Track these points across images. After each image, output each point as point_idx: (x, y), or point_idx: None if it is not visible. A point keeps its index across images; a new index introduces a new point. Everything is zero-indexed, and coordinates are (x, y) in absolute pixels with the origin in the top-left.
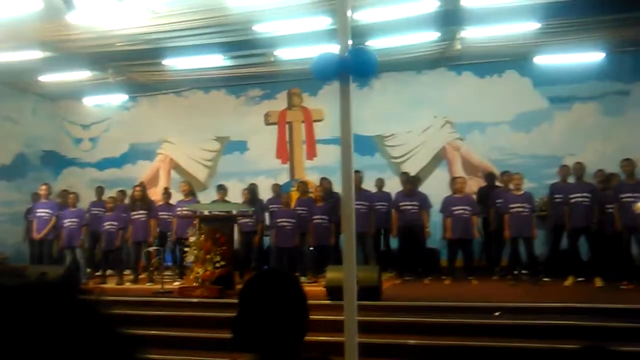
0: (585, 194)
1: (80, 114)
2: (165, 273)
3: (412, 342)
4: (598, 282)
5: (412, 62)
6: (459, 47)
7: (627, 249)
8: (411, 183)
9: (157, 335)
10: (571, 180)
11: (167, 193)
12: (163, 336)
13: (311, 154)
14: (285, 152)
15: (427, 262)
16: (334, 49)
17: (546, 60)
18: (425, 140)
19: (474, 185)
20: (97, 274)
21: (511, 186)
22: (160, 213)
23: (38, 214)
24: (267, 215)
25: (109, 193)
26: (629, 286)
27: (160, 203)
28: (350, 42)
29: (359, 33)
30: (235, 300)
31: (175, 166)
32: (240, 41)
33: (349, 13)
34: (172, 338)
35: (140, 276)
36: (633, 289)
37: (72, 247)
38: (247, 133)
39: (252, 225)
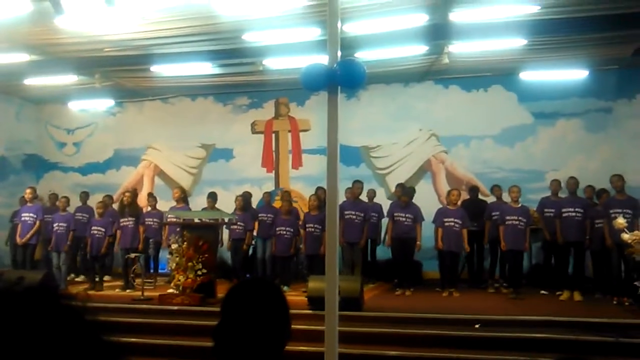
0: (578, 209)
1: (65, 118)
2: (147, 280)
3: (392, 353)
4: (577, 296)
5: (400, 74)
6: (446, 61)
7: (618, 264)
8: (407, 195)
9: (136, 342)
10: (562, 194)
11: (153, 199)
12: (142, 344)
13: (297, 164)
14: (271, 161)
15: (409, 274)
16: (322, 59)
17: (531, 76)
18: (410, 152)
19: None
20: (78, 279)
21: (508, 198)
22: (147, 219)
23: (22, 218)
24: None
25: (92, 198)
26: (624, 300)
27: (147, 209)
28: (339, 53)
29: (348, 45)
30: (216, 309)
31: (160, 173)
32: (229, 49)
33: (339, 25)
34: (152, 346)
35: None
36: (627, 304)
37: (59, 252)
38: (233, 141)
39: (240, 232)
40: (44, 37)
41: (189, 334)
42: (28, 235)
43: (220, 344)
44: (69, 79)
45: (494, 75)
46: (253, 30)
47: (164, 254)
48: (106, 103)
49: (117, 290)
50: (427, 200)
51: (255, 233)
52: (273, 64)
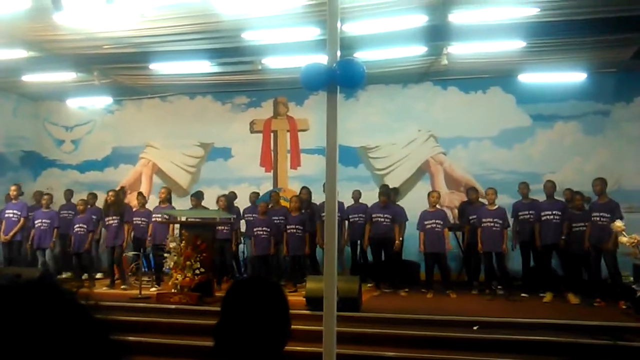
0: (556, 212)
1: (63, 115)
2: (143, 279)
3: (390, 354)
4: (572, 299)
5: (399, 75)
6: (445, 62)
7: (597, 267)
8: (385, 195)
9: (134, 341)
10: (531, 197)
11: (142, 197)
12: (140, 342)
13: (295, 164)
14: (270, 160)
15: (405, 275)
16: (321, 59)
17: (530, 78)
18: (409, 153)
19: (455, 199)
20: (63, 277)
21: (485, 201)
22: (135, 218)
23: (6, 215)
24: (242, 223)
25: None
26: (601, 303)
27: (136, 208)
28: (338, 53)
29: (347, 45)
30: (214, 308)
31: (158, 171)
32: (228, 48)
33: (338, 24)
34: (149, 344)
35: (116, 281)
36: (605, 306)
37: (42, 249)
38: (231, 140)
39: (226, 233)
40: (43, 33)
41: (187, 333)
42: (12, 232)
43: (220, 343)
44: (67, 75)
45: (492, 77)
46: (252, 29)
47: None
48: (105, 100)
49: (104, 288)
50: (425, 202)
51: (244, 231)
52: (272, 63)
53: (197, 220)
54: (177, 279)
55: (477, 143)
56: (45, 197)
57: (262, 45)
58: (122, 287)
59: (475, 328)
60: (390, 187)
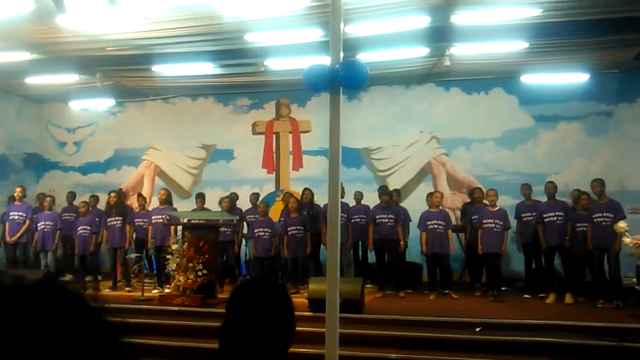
0: (559, 213)
1: (66, 117)
2: (146, 280)
3: (393, 356)
4: (568, 299)
5: (401, 76)
6: (447, 63)
7: (600, 267)
8: (387, 195)
9: (137, 343)
10: (535, 198)
11: (142, 199)
12: (142, 344)
13: (297, 165)
14: (272, 162)
15: (407, 276)
16: (324, 60)
17: (532, 79)
18: (411, 154)
19: (458, 201)
20: (66, 279)
21: (486, 202)
22: (137, 220)
23: (11, 217)
24: (245, 225)
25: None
26: (605, 305)
27: (137, 210)
28: (341, 54)
29: (349, 46)
30: (217, 310)
31: (160, 173)
32: (230, 50)
33: (341, 26)
34: (152, 347)
35: (119, 283)
36: (610, 307)
37: (45, 251)
38: (233, 142)
39: (229, 234)
40: (46, 35)
41: (189, 335)
42: (18, 234)
43: (225, 344)
44: (70, 78)
45: (495, 78)
46: (255, 30)
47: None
48: (107, 102)
49: (106, 290)
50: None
51: (245, 232)
52: (274, 64)
53: (201, 221)
54: (179, 281)
55: (479, 144)
56: (48, 199)
57: (265, 46)
58: (127, 289)
59: (477, 329)
60: (391, 188)
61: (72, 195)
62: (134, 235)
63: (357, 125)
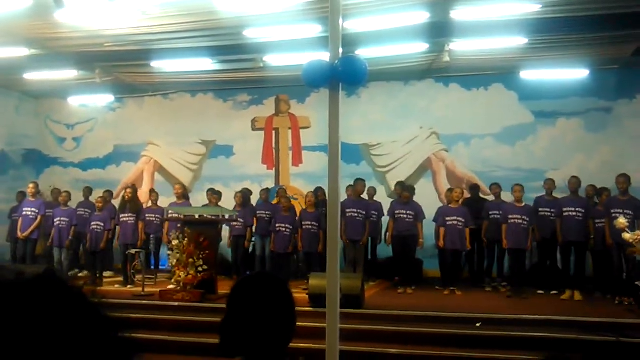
0: (579, 209)
1: (65, 113)
2: (147, 276)
3: (393, 351)
4: (577, 296)
5: (401, 72)
6: (447, 59)
7: (619, 264)
8: (408, 191)
9: (137, 338)
10: (557, 194)
11: (154, 195)
12: (142, 339)
13: (297, 161)
14: (271, 158)
15: (410, 272)
16: (323, 56)
17: (532, 75)
18: (411, 150)
19: None
20: (81, 275)
21: (509, 197)
22: (148, 215)
23: (24, 213)
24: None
25: (94, 194)
26: (624, 300)
27: (148, 205)
28: (340, 50)
29: (349, 42)
30: (217, 305)
31: (160, 169)
32: (230, 46)
33: (340, 21)
34: (152, 341)
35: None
36: (627, 303)
37: (60, 247)
38: (233, 138)
39: (240, 229)
40: (44, 31)
41: (190, 330)
42: (30, 229)
43: (226, 339)
44: (69, 73)
45: (494, 74)
46: (254, 26)
47: (164, 250)
48: (106, 98)
49: (116, 285)
50: (428, 199)
51: (254, 230)
52: (274, 60)
53: (202, 217)
54: (180, 277)
55: (479, 140)
56: (64, 194)
57: (264, 42)
58: (128, 286)
59: (478, 325)
60: (393, 184)
61: (88, 191)
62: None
63: (356, 121)
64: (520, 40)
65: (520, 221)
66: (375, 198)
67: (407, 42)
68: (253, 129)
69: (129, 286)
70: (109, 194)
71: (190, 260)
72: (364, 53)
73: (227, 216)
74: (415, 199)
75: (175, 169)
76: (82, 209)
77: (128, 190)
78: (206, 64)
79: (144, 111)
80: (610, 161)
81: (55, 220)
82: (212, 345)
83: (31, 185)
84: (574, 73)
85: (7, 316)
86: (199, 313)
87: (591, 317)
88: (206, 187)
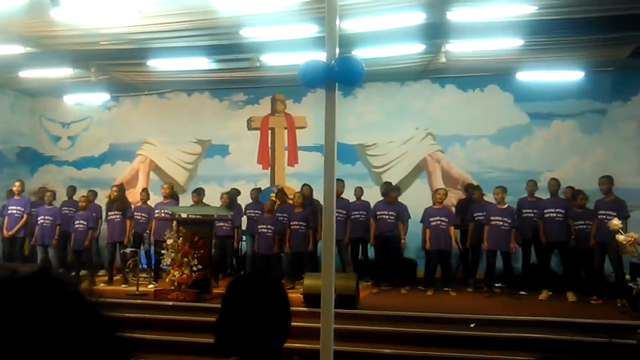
0: (559, 210)
1: (60, 111)
2: (141, 275)
3: (387, 351)
4: (571, 297)
5: (397, 73)
6: (443, 60)
7: (600, 265)
8: (392, 192)
9: (132, 337)
10: (539, 195)
11: (145, 193)
12: (137, 339)
13: (293, 161)
14: (267, 157)
15: (404, 273)
16: (319, 56)
17: (527, 76)
18: (406, 151)
19: (452, 197)
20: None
21: (493, 199)
22: (136, 214)
23: (10, 211)
24: (244, 220)
25: (88, 194)
26: (598, 301)
27: (138, 204)
28: (337, 50)
29: (346, 42)
30: (212, 305)
31: (155, 168)
32: (226, 45)
33: (337, 22)
34: (146, 341)
35: (115, 277)
36: (602, 304)
37: (44, 245)
38: (229, 137)
39: (227, 229)
40: (40, 29)
41: (184, 330)
42: (15, 228)
43: (220, 339)
44: (64, 71)
45: (490, 75)
46: (250, 25)
47: (151, 249)
48: (102, 97)
49: (101, 284)
50: (423, 200)
51: (244, 228)
52: (270, 60)
53: (197, 217)
54: (174, 276)
55: (474, 141)
56: (48, 193)
57: (260, 42)
58: (123, 285)
59: (472, 325)
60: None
61: (72, 190)
62: (132, 230)
63: (352, 121)
64: (516, 42)
65: (501, 223)
66: (372, 198)
67: (404, 42)
68: (249, 129)
69: (123, 285)
70: (92, 194)
71: (185, 259)
72: (360, 53)
73: (220, 215)
74: (411, 199)
75: (171, 168)
76: (67, 208)
77: (113, 189)
78: (202, 63)
79: (139, 110)
80: (604, 163)
81: (38, 218)
82: (207, 345)
83: (17, 184)
84: (570, 75)
85: (2, 314)
86: (193, 312)
87: (587, 318)
88: (201, 187)
